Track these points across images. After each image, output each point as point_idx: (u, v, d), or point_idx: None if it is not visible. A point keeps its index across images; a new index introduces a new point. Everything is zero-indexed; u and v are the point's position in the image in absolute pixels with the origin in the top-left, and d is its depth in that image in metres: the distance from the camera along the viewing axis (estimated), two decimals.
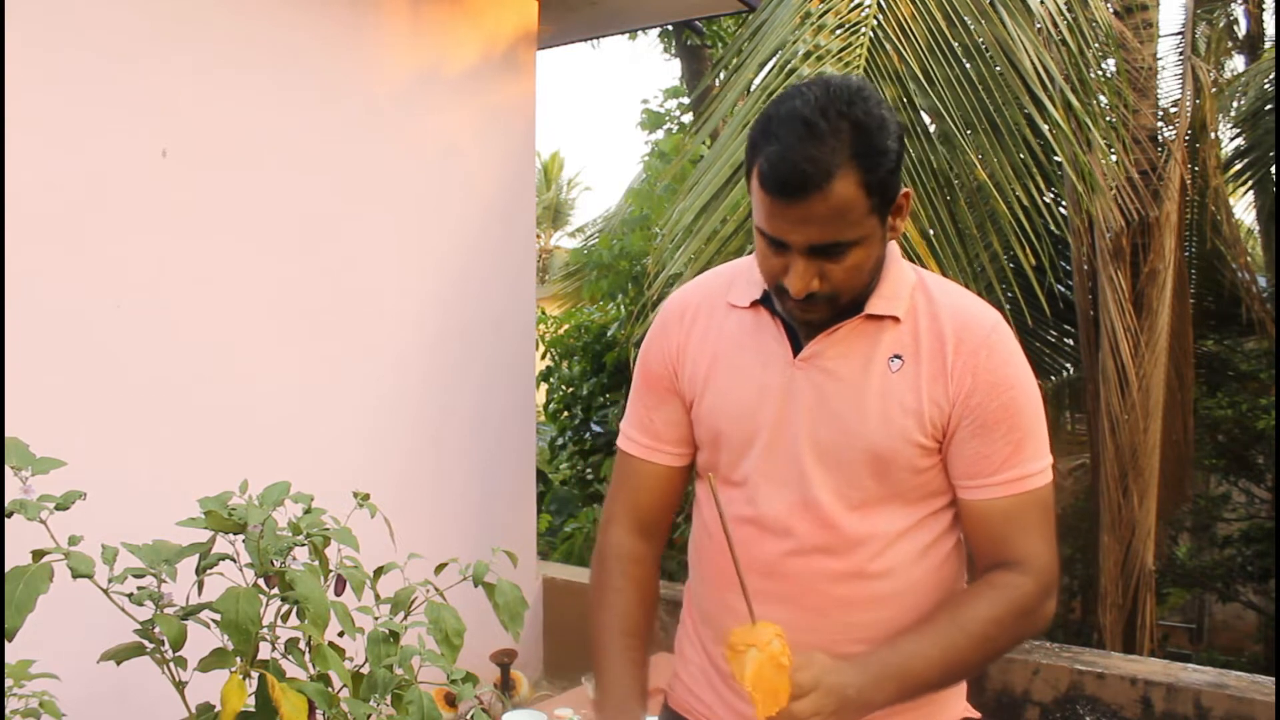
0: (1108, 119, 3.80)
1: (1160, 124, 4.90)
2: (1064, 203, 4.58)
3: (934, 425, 1.13)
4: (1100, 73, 3.67)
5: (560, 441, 5.46)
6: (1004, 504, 1.13)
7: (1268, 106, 5.63)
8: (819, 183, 1.00)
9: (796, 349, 1.18)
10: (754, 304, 1.22)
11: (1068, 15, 3.08)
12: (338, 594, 1.73)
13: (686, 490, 1.37)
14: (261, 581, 1.67)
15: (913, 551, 1.17)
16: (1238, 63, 7.37)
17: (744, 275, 1.25)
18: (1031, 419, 1.14)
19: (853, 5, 3.11)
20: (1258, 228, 7.40)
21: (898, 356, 1.14)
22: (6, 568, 1.43)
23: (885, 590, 1.17)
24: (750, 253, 1.23)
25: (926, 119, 3.09)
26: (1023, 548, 1.13)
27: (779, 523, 1.18)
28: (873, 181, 1.03)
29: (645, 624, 1.31)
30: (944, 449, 1.15)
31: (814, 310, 1.12)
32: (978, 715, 1.31)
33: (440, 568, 1.91)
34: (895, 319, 1.15)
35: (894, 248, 1.20)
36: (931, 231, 3.00)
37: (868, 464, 1.14)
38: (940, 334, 1.14)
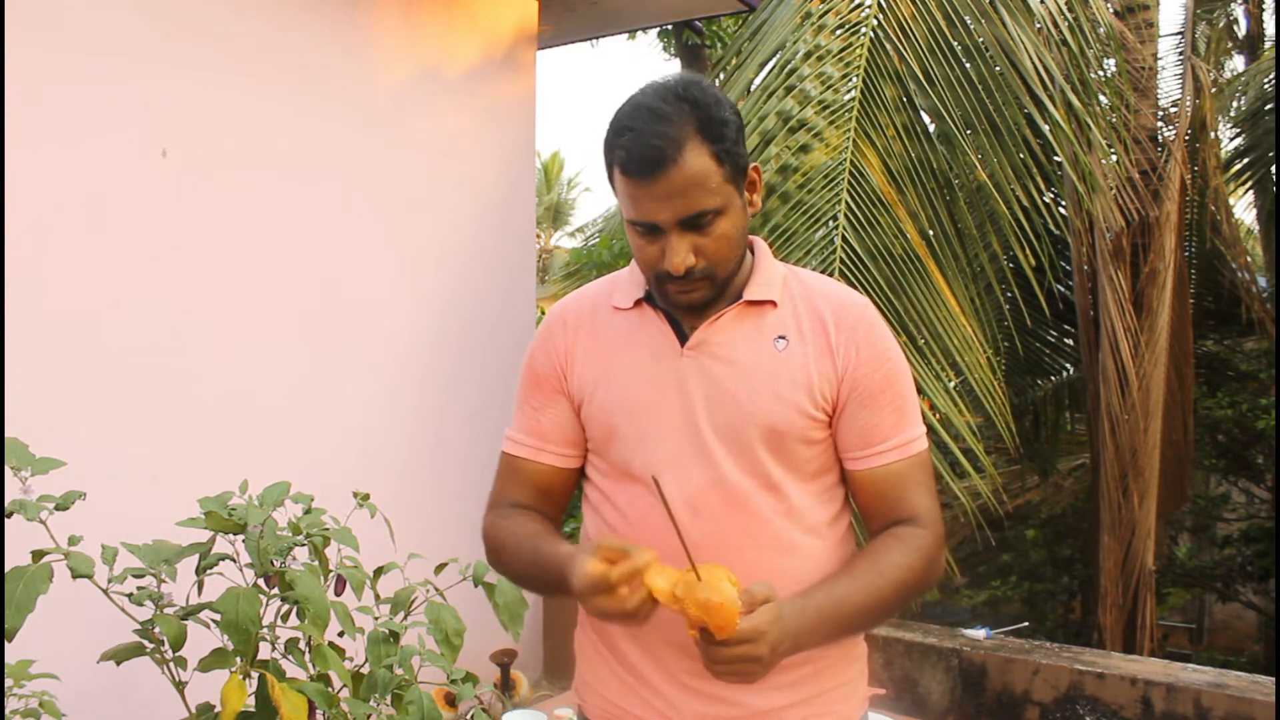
0: (1108, 119, 3.80)
1: (1160, 124, 4.90)
2: (1064, 203, 4.58)
3: (824, 398, 1.20)
4: (1101, 73, 3.67)
5: None
6: (896, 468, 1.22)
7: (1268, 106, 5.63)
8: (673, 156, 1.09)
9: (683, 340, 1.23)
10: (637, 303, 1.28)
11: (1068, 15, 3.07)
12: (338, 594, 1.73)
13: (574, 496, 1.37)
14: (261, 581, 1.67)
15: (817, 526, 1.24)
16: (1238, 63, 7.38)
17: (625, 280, 1.31)
18: (909, 388, 1.25)
19: (853, 5, 3.11)
20: (1258, 228, 7.41)
21: (782, 337, 1.22)
22: (6, 568, 1.43)
23: (791, 565, 1.21)
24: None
25: (926, 119, 3.09)
26: (916, 505, 1.22)
27: (688, 504, 1.21)
28: (721, 151, 1.12)
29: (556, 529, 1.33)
30: (833, 422, 1.23)
31: (695, 289, 1.18)
32: (882, 691, 1.37)
33: (440, 568, 1.92)
34: (773, 303, 1.23)
35: (764, 245, 1.29)
36: (931, 232, 3.00)
37: (764, 439, 1.20)
38: (819, 316, 1.23)
